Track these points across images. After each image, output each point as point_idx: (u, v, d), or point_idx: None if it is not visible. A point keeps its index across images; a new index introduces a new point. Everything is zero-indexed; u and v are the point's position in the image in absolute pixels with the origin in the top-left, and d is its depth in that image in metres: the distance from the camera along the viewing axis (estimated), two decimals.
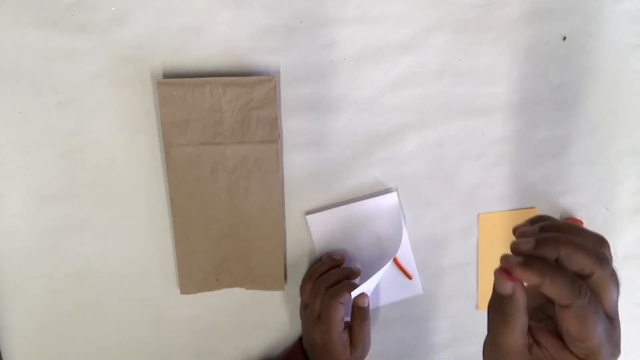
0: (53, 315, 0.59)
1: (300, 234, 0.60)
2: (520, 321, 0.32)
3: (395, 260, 0.62)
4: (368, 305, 0.56)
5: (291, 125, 0.57)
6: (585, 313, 0.29)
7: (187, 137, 0.54)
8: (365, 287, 0.55)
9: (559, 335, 0.32)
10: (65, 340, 0.60)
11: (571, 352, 0.31)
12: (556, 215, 0.64)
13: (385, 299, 0.63)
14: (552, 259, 0.31)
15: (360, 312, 0.56)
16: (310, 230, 0.60)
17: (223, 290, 0.60)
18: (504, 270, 0.31)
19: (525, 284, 0.32)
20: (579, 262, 0.30)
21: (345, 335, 0.56)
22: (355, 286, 0.54)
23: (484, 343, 0.36)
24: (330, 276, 0.56)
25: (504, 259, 0.31)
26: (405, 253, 0.62)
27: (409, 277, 0.62)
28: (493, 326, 0.33)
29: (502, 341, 0.32)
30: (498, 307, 0.32)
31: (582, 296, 0.29)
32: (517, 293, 0.31)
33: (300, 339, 0.61)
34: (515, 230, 0.35)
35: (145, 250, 0.59)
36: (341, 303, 0.54)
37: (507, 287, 0.31)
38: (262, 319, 0.63)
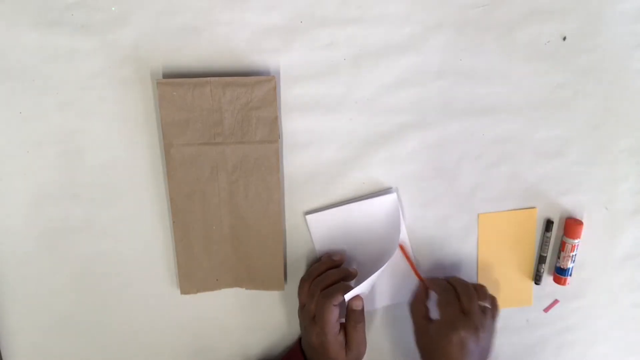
0: (53, 315, 0.59)
1: (300, 234, 0.60)
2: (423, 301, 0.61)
3: (402, 249, 0.61)
4: (362, 308, 0.56)
5: (291, 125, 0.57)
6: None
7: (187, 137, 0.54)
8: (360, 290, 0.55)
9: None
10: (65, 339, 0.60)
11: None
12: (556, 215, 0.64)
13: (385, 300, 0.63)
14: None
15: (354, 315, 0.56)
16: (310, 230, 0.60)
17: (223, 290, 0.60)
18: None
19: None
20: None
21: (341, 337, 0.55)
22: (349, 288, 0.54)
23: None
24: (327, 277, 0.56)
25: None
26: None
27: (414, 269, 0.62)
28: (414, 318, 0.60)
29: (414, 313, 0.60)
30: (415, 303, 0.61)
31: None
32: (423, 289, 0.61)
33: (300, 339, 0.61)
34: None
35: (145, 250, 0.59)
36: (335, 305, 0.53)
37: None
38: (262, 319, 0.63)
